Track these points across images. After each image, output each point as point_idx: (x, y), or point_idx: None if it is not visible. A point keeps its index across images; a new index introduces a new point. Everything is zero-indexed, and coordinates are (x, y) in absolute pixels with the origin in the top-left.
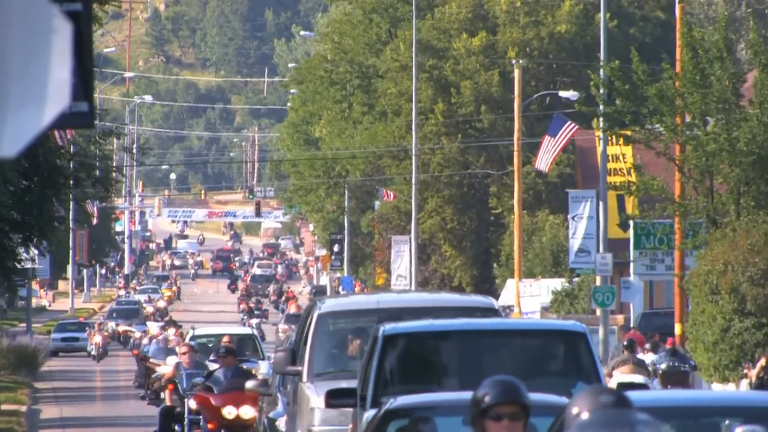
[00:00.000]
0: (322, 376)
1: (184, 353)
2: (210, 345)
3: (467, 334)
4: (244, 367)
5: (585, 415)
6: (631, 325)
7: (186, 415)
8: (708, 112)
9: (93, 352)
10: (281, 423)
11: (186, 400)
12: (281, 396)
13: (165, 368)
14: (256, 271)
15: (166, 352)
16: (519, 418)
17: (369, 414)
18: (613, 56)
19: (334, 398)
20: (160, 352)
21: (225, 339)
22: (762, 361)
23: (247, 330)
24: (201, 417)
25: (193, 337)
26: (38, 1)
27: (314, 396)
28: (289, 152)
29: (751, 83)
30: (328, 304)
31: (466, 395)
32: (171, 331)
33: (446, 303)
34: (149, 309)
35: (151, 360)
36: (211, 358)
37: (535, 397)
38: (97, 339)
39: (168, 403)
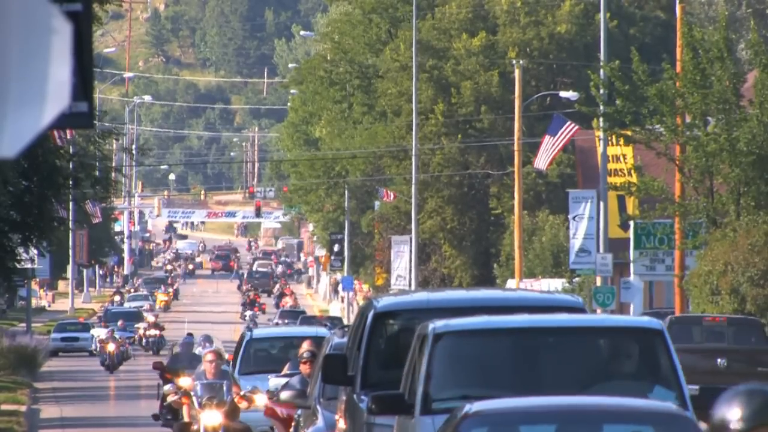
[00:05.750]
0: (379, 385)
1: (210, 361)
2: (273, 351)
3: (527, 332)
4: None
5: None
6: None
7: None
8: (708, 113)
9: (107, 362)
10: None
11: (201, 415)
12: (321, 409)
13: (183, 380)
14: (255, 268)
15: (190, 359)
16: None
17: (423, 421)
18: (613, 56)
19: (378, 405)
20: (180, 359)
21: (306, 344)
22: None
23: (321, 331)
24: None
25: (250, 340)
26: (38, 1)
27: None
28: (289, 152)
29: (752, 83)
30: (387, 302)
31: (558, 401)
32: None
33: (526, 301)
34: (150, 318)
35: (169, 369)
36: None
37: (614, 401)
38: (111, 347)
39: (186, 419)
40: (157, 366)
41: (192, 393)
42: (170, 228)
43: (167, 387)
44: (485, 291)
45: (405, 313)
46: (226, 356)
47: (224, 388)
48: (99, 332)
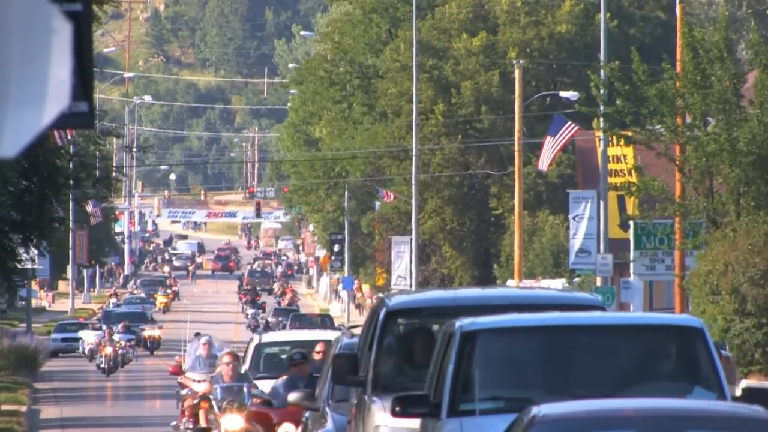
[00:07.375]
0: (390, 387)
1: (228, 363)
2: (284, 356)
3: (561, 330)
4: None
5: None
6: None
7: None
8: (708, 113)
9: (103, 365)
10: None
11: (222, 420)
12: (330, 411)
13: (200, 386)
14: (255, 267)
15: (207, 363)
16: None
17: (451, 423)
18: (613, 56)
19: (403, 407)
20: (199, 364)
21: (318, 347)
22: None
23: (332, 334)
24: None
25: (259, 345)
26: (38, 1)
27: (380, 412)
28: (289, 152)
29: (752, 83)
30: (399, 301)
31: (635, 403)
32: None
33: (545, 299)
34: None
35: (187, 374)
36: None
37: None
38: (108, 350)
39: (203, 424)
40: (176, 371)
41: (211, 397)
42: (152, 225)
43: (184, 392)
44: (501, 289)
45: (418, 312)
46: None
47: (244, 391)
48: (86, 335)
